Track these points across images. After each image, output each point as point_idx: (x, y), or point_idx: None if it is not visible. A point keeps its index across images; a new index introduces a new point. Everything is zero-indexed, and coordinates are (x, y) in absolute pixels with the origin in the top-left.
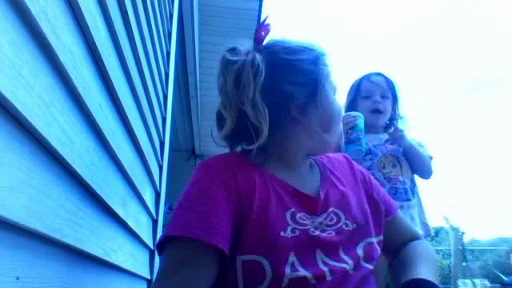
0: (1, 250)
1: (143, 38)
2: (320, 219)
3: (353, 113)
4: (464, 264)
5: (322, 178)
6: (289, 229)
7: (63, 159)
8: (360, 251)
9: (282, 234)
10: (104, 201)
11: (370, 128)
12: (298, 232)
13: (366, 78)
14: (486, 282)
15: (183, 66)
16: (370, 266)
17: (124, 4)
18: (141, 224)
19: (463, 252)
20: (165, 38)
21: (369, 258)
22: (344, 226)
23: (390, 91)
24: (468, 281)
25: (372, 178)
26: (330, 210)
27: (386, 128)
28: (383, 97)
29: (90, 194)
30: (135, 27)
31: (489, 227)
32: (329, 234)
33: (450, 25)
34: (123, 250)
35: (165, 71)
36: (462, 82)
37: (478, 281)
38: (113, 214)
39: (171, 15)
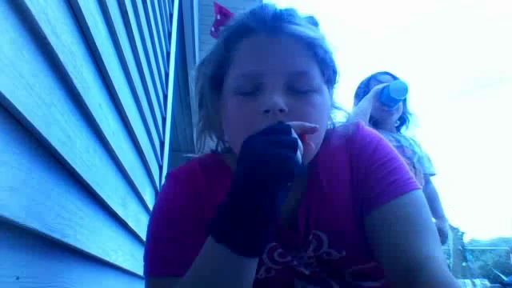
0: (1, 250)
1: (143, 38)
2: (302, 253)
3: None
4: (464, 264)
5: (308, 188)
6: (262, 269)
7: (63, 159)
8: (348, 276)
9: None
10: (104, 201)
11: (382, 124)
12: (273, 272)
13: (374, 77)
14: (486, 282)
15: (183, 66)
16: (375, 284)
17: (124, 4)
18: (141, 224)
19: (463, 252)
20: (165, 38)
21: (364, 275)
22: (325, 256)
23: None
24: (468, 281)
25: (377, 159)
26: (311, 234)
27: (398, 127)
28: None
29: (90, 194)
30: (135, 27)
31: (489, 227)
32: (312, 271)
33: (449, 25)
34: (123, 250)
35: (165, 71)
36: (462, 82)
37: (478, 281)
38: (113, 214)
39: (171, 15)
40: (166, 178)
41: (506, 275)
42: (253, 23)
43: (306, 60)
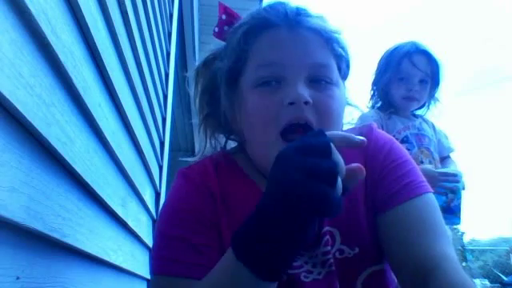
0: (1, 250)
1: (143, 38)
2: (315, 250)
3: (456, 171)
4: (464, 264)
5: None
6: None
7: (63, 159)
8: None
9: None
10: (104, 201)
11: (398, 111)
12: (284, 277)
13: (408, 57)
14: (486, 282)
15: (183, 66)
16: None
17: (124, 4)
18: (141, 224)
19: (463, 252)
20: (165, 38)
21: (376, 283)
22: (337, 254)
23: (430, 75)
24: None
25: (392, 161)
26: (325, 229)
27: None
28: (422, 81)
29: (89, 193)
30: (135, 27)
31: (489, 227)
32: (315, 280)
33: (449, 21)
34: (123, 250)
35: (165, 71)
36: (462, 81)
37: (478, 281)
38: (113, 213)
39: (171, 15)
40: (178, 175)
41: (506, 275)
42: (274, 17)
43: (325, 53)
